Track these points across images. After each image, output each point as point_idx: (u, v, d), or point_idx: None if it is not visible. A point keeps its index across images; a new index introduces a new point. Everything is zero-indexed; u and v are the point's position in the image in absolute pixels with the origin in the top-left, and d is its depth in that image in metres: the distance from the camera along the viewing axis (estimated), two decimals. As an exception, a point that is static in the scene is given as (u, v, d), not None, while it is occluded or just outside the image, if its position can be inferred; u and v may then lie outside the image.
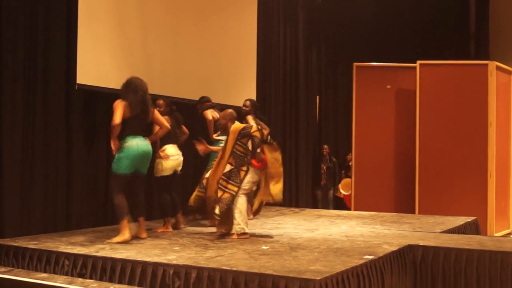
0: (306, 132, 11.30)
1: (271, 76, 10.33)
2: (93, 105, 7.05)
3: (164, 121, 6.23)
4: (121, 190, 5.86)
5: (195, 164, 7.85)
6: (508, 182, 9.98)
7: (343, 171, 11.67)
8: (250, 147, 6.13)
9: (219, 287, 4.45)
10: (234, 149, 6.16)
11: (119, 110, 5.77)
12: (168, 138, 6.63)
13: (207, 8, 8.55)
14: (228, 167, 6.16)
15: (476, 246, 5.61)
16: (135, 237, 5.92)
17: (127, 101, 5.83)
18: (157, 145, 6.57)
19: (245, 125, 6.33)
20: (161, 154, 6.49)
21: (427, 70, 9.65)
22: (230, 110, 6.56)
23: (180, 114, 7.02)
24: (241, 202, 6.12)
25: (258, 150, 6.11)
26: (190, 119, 7.69)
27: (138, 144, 5.85)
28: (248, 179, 6.15)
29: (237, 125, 6.32)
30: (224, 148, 6.28)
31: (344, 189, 11.31)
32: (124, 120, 5.81)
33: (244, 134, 6.18)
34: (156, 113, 6.13)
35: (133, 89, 5.88)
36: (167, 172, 6.67)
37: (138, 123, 5.92)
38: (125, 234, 5.74)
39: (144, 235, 5.99)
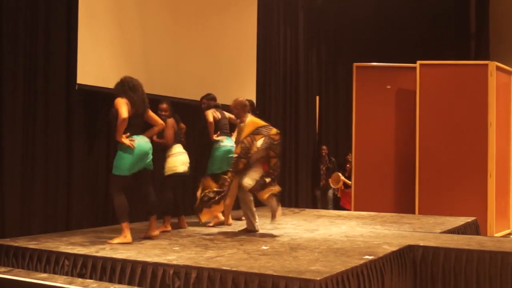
0: (306, 132, 11.30)
1: (271, 76, 10.33)
2: (94, 105, 7.05)
3: (159, 118, 6.19)
4: (121, 190, 5.83)
5: (195, 165, 7.84)
6: (508, 182, 9.98)
7: (340, 172, 11.61)
8: (257, 145, 6.25)
9: (219, 287, 4.45)
10: (244, 139, 6.32)
11: (124, 106, 5.71)
12: (174, 138, 6.71)
13: (207, 8, 8.55)
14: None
15: (476, 247, 5.61)
16: (147, 237, 5.94)
17: (128, 99, 5.79)
18: (164, 144, 6.68)
19: (265, 124, 6.45)
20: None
21: (427, 70, 9.65)
22: (241, 99, 6.66)
23: (178, 114, 7.05)
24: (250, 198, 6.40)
25: (273, 154, 6.29)
26: (190, 118, 7.70)
27: (139, 143, 5.82)
28: (255, 176, 6.30)
29: (257, 121, 6.49)
30: (238, 137, 6.49)
31: (332, 183, 11.22)
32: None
33: (260, 132, 6.32)
34: (150, 112, 6.09)
35: (131, 88, 5.84)
36: (181, 169, 6.73)
37: (138, 122, 5.90)
38: (126, 236, 5.72)
39: (156, 232, 5.98)
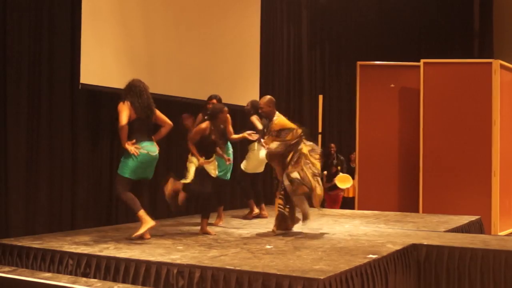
0: (310, 132, 11.26)
1: (275, 75, 10.32)
2: (98, 105, 7.05)
3: (167, 119, 6.16)
4: (127, 189, 5.83)
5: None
6: (512, 180, 9.97)
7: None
8: (272, 147, 6.32)
9: (223, 287, 4.45)
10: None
11: (125, 112, 5.74)
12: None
13: (211, 8, 8.55)
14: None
15: (480, 245, 5.60)
16: (140, 238, 5.90)
17: (131, 104, 5.80)
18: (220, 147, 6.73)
19: (289, 127, 6.37)
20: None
21: (431, 68, 9.64)
22: (269, 96, 6.64)
23: (181, 113, 7.06)
24: None
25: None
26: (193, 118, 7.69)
27: (146, 149, 5.82)
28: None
29: (284, 122, 6.44)
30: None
31: (341, 182, 10.67)
32: (130, 123, 5.79)
33: (280, 135, 6.32)
34: (159, 113, 6.08)
35: (137, 93, 5.85)
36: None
37: (144, 125, 5.89)
38: (148, 222, 5.68)
39: (147, 235, 5.92)
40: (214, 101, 7.20)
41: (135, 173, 5.82)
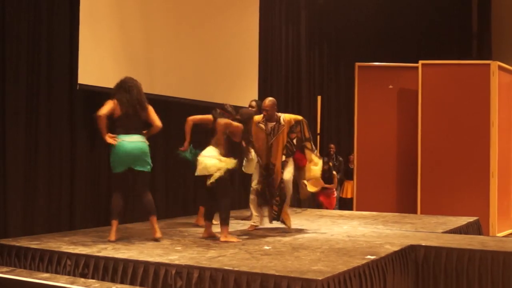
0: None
1: (273, 76, 10.33)
2: (95, 105, 7.01)
3: (157, 119, 6.04)
4: (118, 188, 5.89)
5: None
6: (510, 182, 9.97)
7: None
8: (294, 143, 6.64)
9: (221, 287, 4.45)
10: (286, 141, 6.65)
11: (107, 106, 5.78)
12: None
13: (209, 8, 8.55)
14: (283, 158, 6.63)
15: (478, 246, 5.61)
16: (152, 239, 5.83)
17: (118, 100, 5.81)
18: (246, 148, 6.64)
19: (296, 120, 6.71)
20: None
21: (429, 70, 9.65)
22: (271, 98, 6.74)
23: (180, 114, 7.01)
24: None
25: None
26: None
27: (123, 141, 5.77)
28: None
29: (291, 116, 6.73)
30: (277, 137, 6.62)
31: (310, 186, 10.43)
32: (116, 118, 5.80)
33: (293, 130, 6.62)
34: (151, 112, 5.99)
35: (126, 89, 5.85)
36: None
37: (131, 121, 5.84)
38: (110, 234, 5.78)
39: (158, 234, 5.86)
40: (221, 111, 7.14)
41: (118, 165, 5.82)
